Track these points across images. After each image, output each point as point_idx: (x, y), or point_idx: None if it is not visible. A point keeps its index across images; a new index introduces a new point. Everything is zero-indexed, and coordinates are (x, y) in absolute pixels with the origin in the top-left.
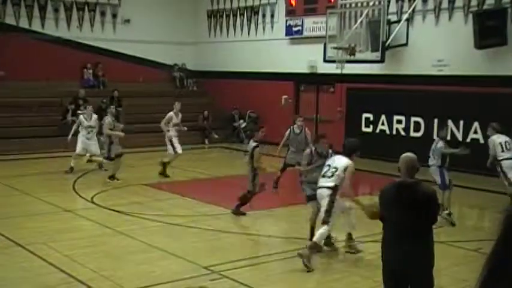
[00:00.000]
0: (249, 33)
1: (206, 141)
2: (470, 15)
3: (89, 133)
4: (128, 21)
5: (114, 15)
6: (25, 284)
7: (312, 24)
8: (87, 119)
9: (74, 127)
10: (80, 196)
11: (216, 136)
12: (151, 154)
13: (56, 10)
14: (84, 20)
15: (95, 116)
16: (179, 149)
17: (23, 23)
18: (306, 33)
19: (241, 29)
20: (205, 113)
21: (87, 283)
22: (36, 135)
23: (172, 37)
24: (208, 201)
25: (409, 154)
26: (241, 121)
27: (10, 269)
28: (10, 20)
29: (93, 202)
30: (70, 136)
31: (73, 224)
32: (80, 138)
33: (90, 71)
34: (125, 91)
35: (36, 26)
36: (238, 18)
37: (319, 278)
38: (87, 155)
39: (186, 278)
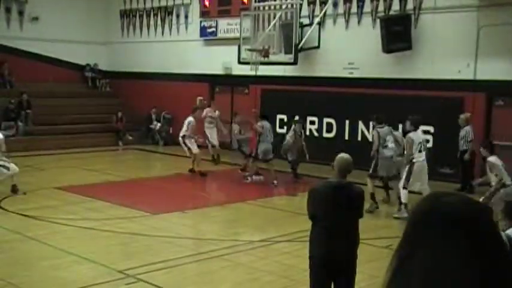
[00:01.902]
0: (163, 34)
1: (120, 143)
2: (378, 21)
3: None
4: (36, 18)
5: (21, 12)
6: None
7: (227, 26)
8: None
9: None
10: None
11: (130, 138)
12: (61, 156)
13: None
14: None
15: None
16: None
17: None
18: (220, 35)
19: (155, 30)
20: (119, 114)
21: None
22: None
23: (84, 36)
24: (123, 203)
25: (344, 155)
26: (156, 122)
27: None
28: None
29: (1, 207)
30: None
31: None
32: None
33: None
34: (34, 91)
35: None
36: (152, 19)
37: (235, 278)
38: None
39: (101, 283)
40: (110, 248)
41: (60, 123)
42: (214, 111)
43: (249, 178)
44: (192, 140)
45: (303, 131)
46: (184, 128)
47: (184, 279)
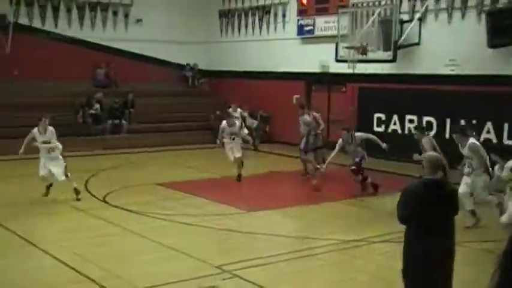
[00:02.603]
0: (260, 33)
1: (217, 141)
2: (483, 14)
3: (49, 151)
4: (140, 20)
5: (126, 15)
6: (38, 282)
7: (324, 24)
8: (41, 132)
9: (26, 141)
10: (92, 195)
11: None
12: (162, 153)
13: (69, 10)
14: (97, 20)
15: (50, 129)
16: (230, 157)
17: (36, 23)
18: (317, 33)
19: (253, 29)
20: (217, 112)
21: (99, 282)
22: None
23: (184, 37)
24: (220, 200)
25: (433, 153)
26: (252, 120)
27: (23, 267)
28: (23, 21)
29: (105, 201)
30: (22, 149)
31: (85, 223)
32: (41, 156)
33: (103, 71)
34: (137, 90)
35: (49, 26)
36: (249, 18)
37: (330, 277)
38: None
39: (197, 277)
40: (207, 243)
41: (161, 121)
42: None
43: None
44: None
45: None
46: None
47: (280, 277)
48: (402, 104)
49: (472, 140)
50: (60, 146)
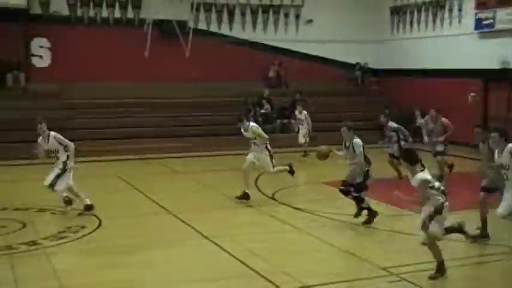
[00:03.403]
0: (434, 29)
1: (385, 141)
2: None
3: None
4: (310, 21)
5: (297, 16)
6: (208, 273)
7: (506, 16)
8: (44, 140)
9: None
10: (262, 192)
11: None
12: None
13: (243, 14)
14: (269, 22)
15: (52, 134)
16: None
17: (213, 28)
18: (498, 26)
19: (426, 25)
20: (386, 111)
21: (268, 277)
22: (219, 134)
23: (354, 36)
24: (387, 201)
25: None
26: (421, 121)
27: (196, 259)
28: (202, 25)
29: (273, 199)
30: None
31: (254, 219)
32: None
33: (274, 71)
34: (305, 90)
35: (224, 30)
36: (422, 14)
37: (504, 285)
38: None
39: (363, 278)
40: (373, 244)
41: (328, 120)
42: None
43: None
44: None
45: None
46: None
47: (450, 282)
48: None
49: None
50: (70, 150)
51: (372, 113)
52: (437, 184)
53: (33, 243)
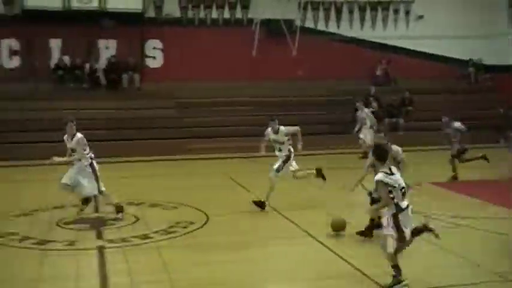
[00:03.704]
0: None
1: (502, 141)
2: None
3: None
4: (421, 17)
5: (407, 12)
6: (310, 272)
7: None
8: (68, 138)
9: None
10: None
11: None
12: (435, 152)
13: (351, 12)
14: (377, 19)
15: (78, 136)
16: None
17: (320, 26)
18: None
19: None
20: (501, 110)
21: (374, 278)
22: (325, 132)
23: (467, 30)
24: (495, 202)
25: None
26: None
27: (301, 257)
28: (309, 24)
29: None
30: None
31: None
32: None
33: (382, 69)
34: (414, 88)
35: (332, 28)
36: None
37: None
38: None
39: (476, 283)
40: (485, 247)
41: (436, 119)
42: None
43: None
44: None
45: None
46: None
47: None
48: None
49: None
50: (88, 156)
51: (485, 111)
52: (398, 186)
53: (145, 236)
